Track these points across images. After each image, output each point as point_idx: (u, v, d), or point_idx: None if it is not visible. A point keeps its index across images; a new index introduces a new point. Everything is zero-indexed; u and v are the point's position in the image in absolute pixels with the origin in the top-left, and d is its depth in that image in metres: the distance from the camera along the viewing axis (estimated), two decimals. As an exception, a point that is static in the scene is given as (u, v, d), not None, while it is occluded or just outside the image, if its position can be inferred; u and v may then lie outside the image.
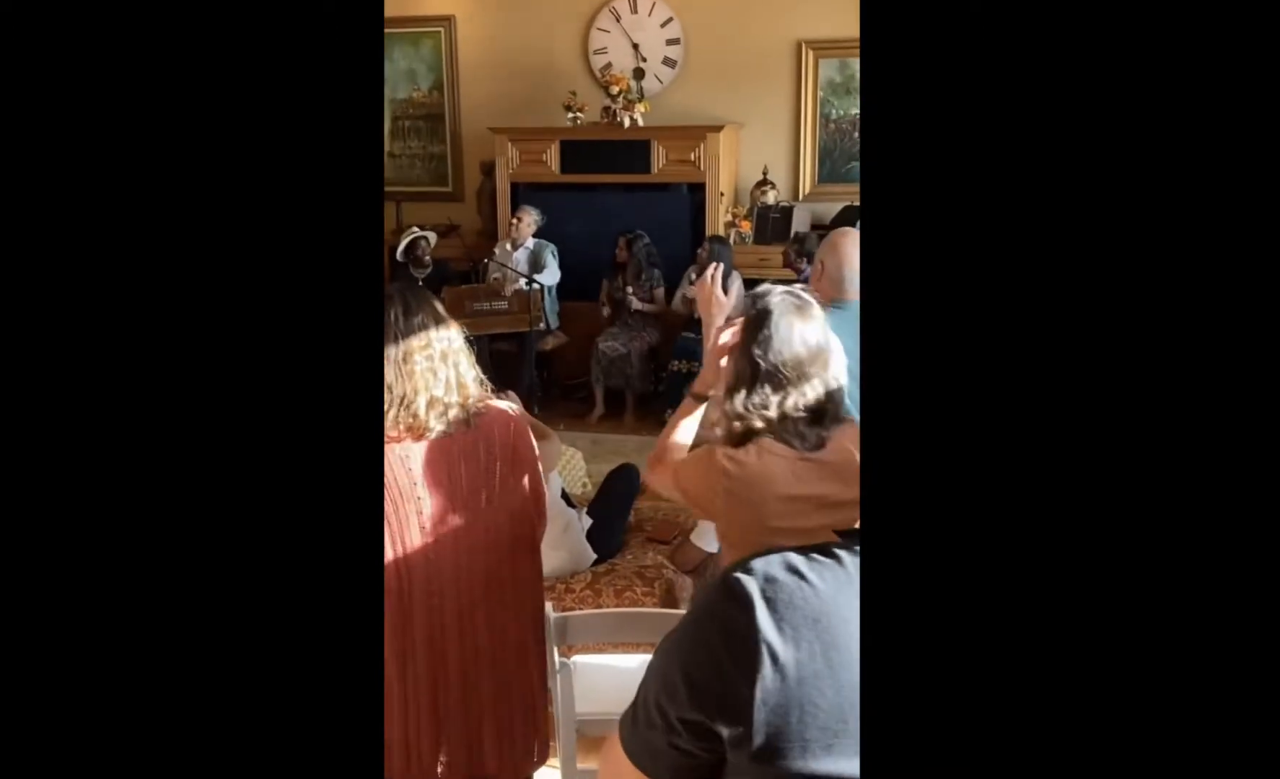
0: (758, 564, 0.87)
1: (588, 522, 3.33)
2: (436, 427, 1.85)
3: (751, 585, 0.85)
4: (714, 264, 2.35)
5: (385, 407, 1.83)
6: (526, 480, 2.01)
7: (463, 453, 1.88)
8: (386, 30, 6.78)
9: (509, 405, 2.00)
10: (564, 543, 3.15)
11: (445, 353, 1.87)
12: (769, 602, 0.84)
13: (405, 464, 1.84)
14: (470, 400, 1.89)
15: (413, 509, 1.85)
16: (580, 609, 2.92)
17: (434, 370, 1.84)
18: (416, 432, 1.85)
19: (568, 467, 4.30)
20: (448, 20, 6.81)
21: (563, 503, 3.23)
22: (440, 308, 1.93)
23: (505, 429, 1.94)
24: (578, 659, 2.40)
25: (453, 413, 1.86)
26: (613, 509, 3.45)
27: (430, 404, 1.84)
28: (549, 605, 2.16)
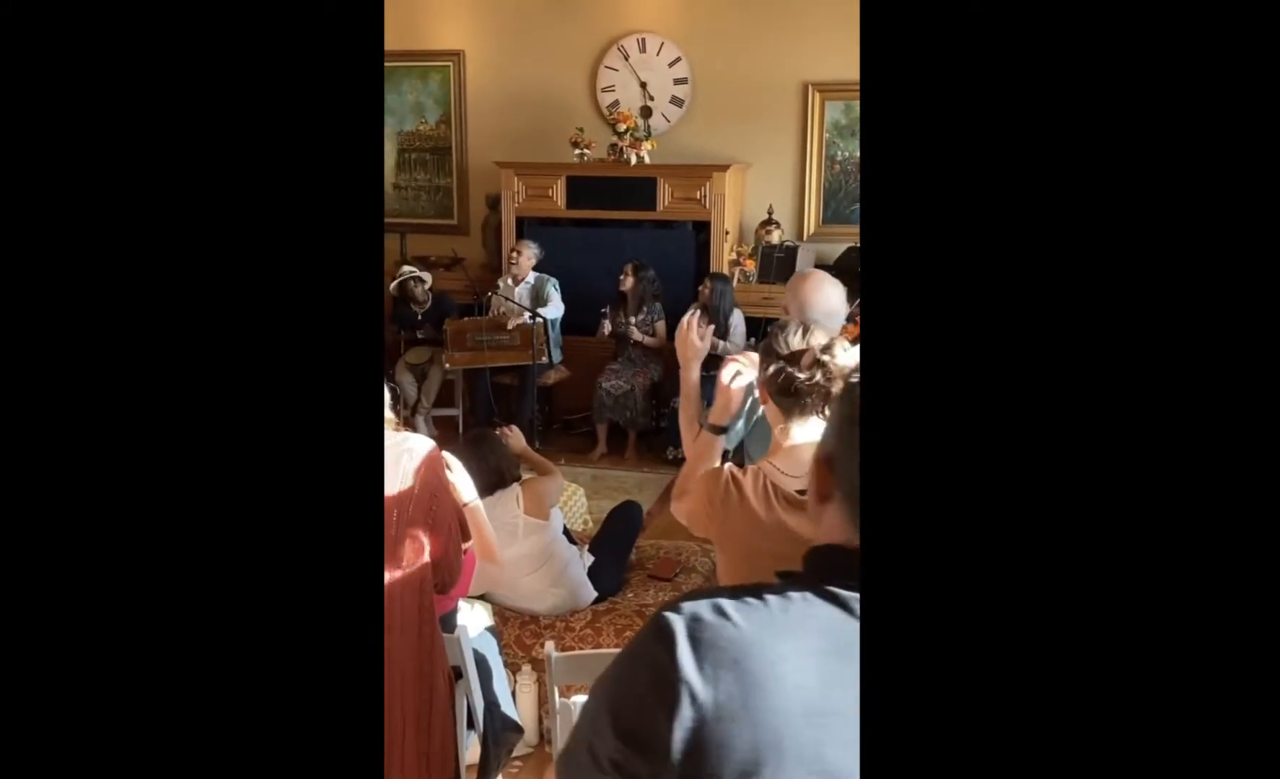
0: (687, 604, 0.87)
1: (589, 559, 3.30)
2: None
3: (677, 624, 0.85)
4: (691, 310, 2.44)
5: None
6: (420, 516, 2.00)
7: None
8: (396, 64, 6.84)
9: (409, 440, 1.99)
10: (564, 581, 3.11)
11: None
12: (693, 641, 0.84)
13: None
14: None
15: None
16: (580, 648, 2.88)
17: None
18: None
19: (569, 503, 4.27)
20: (457, 55, 6.86)
21: (564, 540, 3.20)
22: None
23: (395, 464, 1.94)
24: (577, 699, 2.36)
25: None
26: (614, 547, 3.42)
27: None
28: (551, 644, 2.13)
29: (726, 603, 0.86)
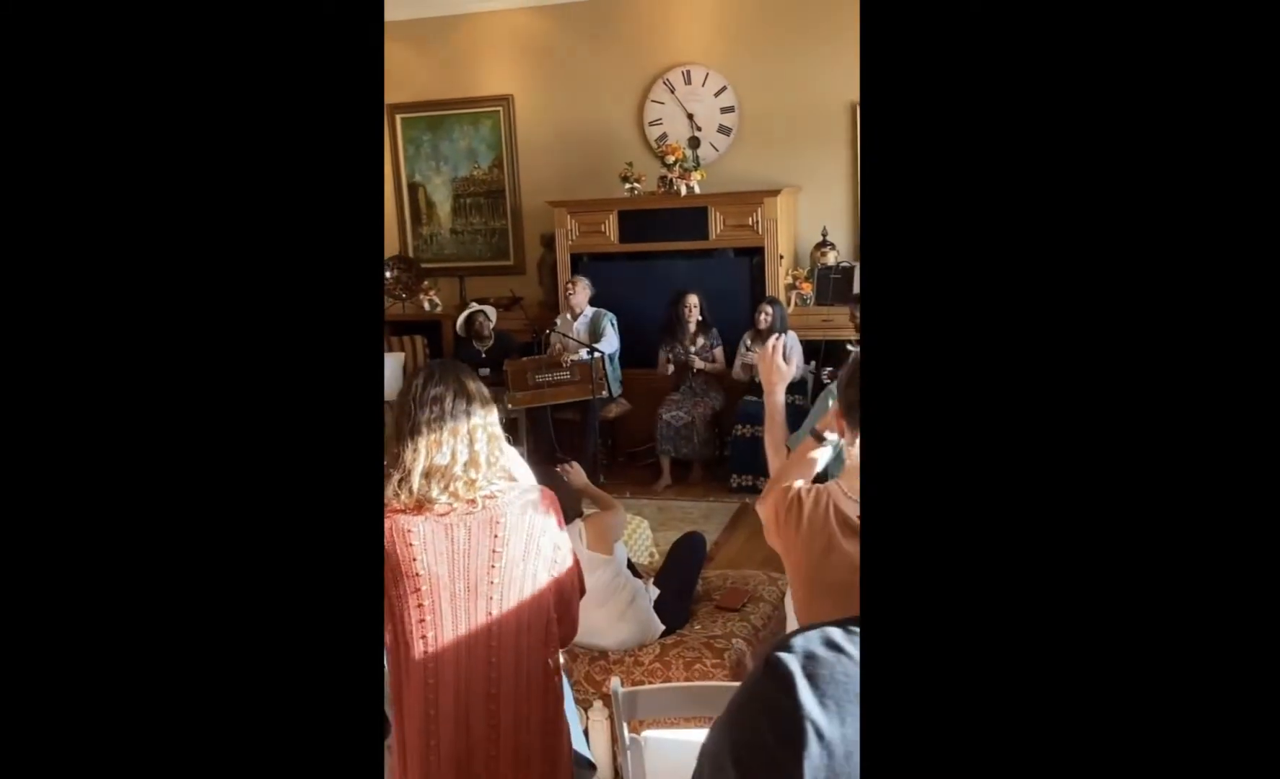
0: (798, 641, 0.86)
1: (654, 592, 3.28)
2: (438, 499, 1.80)
3: (792, 663, 0.84)
4: (776, 335, 2.45)
5: (391, 477, 1.80)
6: (544, 572, 1.92)
7: (467, 532, 1.83)
8: (447, 112, 6.97)
9: (534, 492, 1.94)
10: (631, 615, 3.10)
11: (457, 428, 1.82)
12: (810, 678, 0.83)
13: (405, 537, 1.80)
14: (480, 479, 1.84)
15: (409, 585, 1.80)
16: (649, 682, 2.86)
17: (439, 442, 1.80)
18: (416, 504, 1.80)
19: (634, 536, 4.26)
20: (506, 99, 6.97)
21: (628, 573, 3.19)
22: (473, 385, 1.89)
23: (521, 515, 1.87)
24: (648, 735, 2.34)
25: (456, 487, 1.81)
26: (679, 579, 3.40)
27: (428, 473, 1.79)
28: (616, 680, 2.12)
29: (837, 635, 0.85)
